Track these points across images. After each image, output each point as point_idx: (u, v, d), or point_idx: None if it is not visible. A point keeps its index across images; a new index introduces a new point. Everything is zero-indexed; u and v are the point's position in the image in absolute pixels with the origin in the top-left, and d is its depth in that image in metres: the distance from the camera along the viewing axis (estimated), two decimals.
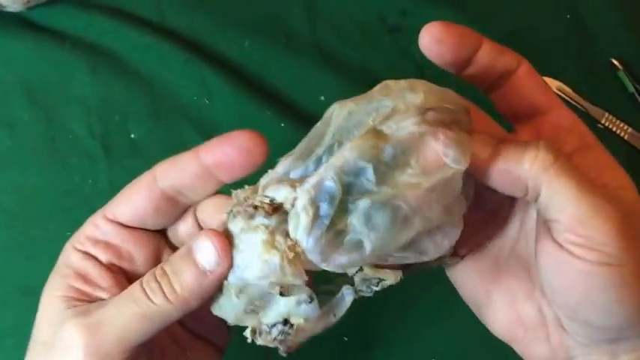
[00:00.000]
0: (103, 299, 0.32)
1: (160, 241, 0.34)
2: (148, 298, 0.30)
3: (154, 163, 0.50)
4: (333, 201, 0.28)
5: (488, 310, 0.34)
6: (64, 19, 0.54)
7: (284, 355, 0.33)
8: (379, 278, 0.31)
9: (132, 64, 0.53)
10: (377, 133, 0.29)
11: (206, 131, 0.52)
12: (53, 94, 0.53)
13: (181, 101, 0.53)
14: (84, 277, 0.33)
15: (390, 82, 0.31)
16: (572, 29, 0.54)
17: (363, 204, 0.28)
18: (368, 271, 0.31)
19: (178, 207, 0.33)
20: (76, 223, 0.50)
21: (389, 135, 0.29)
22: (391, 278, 0.31)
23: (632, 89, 0.52)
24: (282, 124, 0.52)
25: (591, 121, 0.52)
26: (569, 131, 0.32)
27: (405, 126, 0.29)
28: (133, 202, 0.33)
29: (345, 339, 0.48)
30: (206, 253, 0.29)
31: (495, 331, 0.34)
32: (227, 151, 0.31)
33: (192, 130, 0.53)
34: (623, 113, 0.53)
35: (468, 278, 0.35)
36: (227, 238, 0.30)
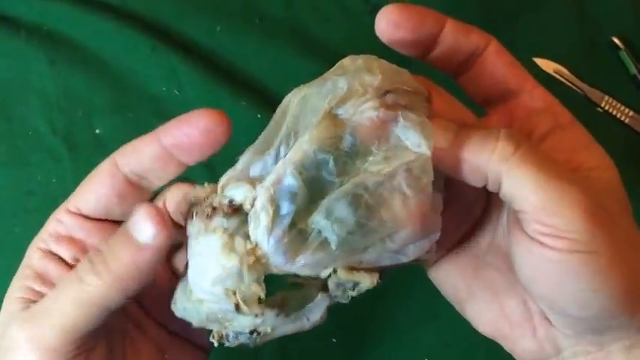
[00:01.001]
0: None
1: None
2: (81, 280, 0.29)
3: None
4: (294, 198, 0.27)
5: (472, 306, 0.33)
6: (17, 6, 0.50)
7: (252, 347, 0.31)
8: (354, 282, 0.29)
9: (94, 53, 0.49)
10: (334, 120, 0.27)
11: None
12: (10, 88, 0.49)
13: (149, 93, 0.50)
14: (43, 278, 0.32)
15: (345, 61, 0.30)
16: (571, 5, 0.51)
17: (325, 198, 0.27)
18: (342, 274, 0.29)
19: (142, 193, 0.32)
20: (41, 225, 0.48)
21: (346, 120, 0.27)
22: (367, 281, 0.30)
23: (634, 70, 0.49)
24: (259, 115, 0.49)
25: (590, 105, 0.49)
26: (544, 111, 0.31)
27: (363, 110, 0.27)
28: (96, 191, 0.32)
29: (334, 340, 0.46)
30: (142, 226, 0.28)
31: (481, 329, 0.33)
32: (187, 132, 0.30)
33: (162, 124, 0.49)
34: (623, 96, 0.49)
35: (447, 275, 0.34)
36: (185, 237, 0.29)
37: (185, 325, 0.33)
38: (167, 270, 0.35)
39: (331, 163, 0.27)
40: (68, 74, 0.49)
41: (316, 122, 0.27)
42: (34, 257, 0.32)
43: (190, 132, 0.30)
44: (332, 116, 0.28)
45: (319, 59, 0.50)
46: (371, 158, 0.27)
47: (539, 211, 0.27)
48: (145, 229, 0.28)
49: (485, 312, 0.33)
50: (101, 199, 0.32)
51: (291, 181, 0.27)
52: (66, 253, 0.32)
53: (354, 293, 0.30)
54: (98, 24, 0.49)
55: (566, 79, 0.49)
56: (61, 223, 0.32)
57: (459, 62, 0.31)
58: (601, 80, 0.49)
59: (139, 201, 0.31)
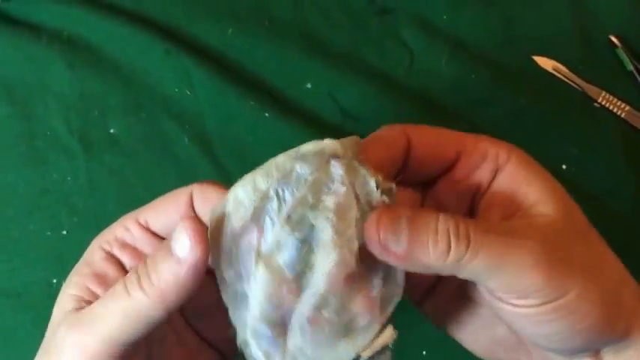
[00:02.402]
0: None
1: None
2: (127, 291, 0.28)
3: (134, 159, 0.51)
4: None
5: (464, 334, 0.34)
6: (40, 12, 0.52)
7: None
8: (381, 348, 0.30)
9: (110, 56, 0.51)
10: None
11: (187, 124, 0.51)
12: (30, 90, 0.51)
13: (162, 93, 0.51)
14: (101, 279, 0.31)
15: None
16: (570, 5, 0.52)
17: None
18: (365, 354, 0.30)
19: None
20: (56, 222, 0.50)
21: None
22: (389, 338, 0.30)
23: (630, 67, 0.50)
24: (266, 114, 0.50)
25: (588, 101, 0.50)
26: (484, 161, 0.31)
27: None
28: (168, 213, 0.32)
29: None
30: (180, 241, 0.28)
31: (477, 354, 0.34)
32: None
33: (174, 124, 0.51)
34: (620, 91, 0.51)
35: (435, 309, 0.34)
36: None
37: (214, 328, 0.34)
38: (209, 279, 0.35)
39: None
40: (85, 77, 0.51)
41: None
42: (95, 256, 0.32)
43: None
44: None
45: (326, 60, 0.51)
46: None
47: (500, 288, 0.28)
48: (183, 243, 0.28)
49: (478, 338, 0.34)
50: (171, 223, 0.32)
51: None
52: (127, 261, 0.32)
53: (389, 353, 0.30)
54: (114, 28, 0.51)
55: (564, 75, 0.50)
56: (128, 231, 0.32)
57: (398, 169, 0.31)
58: (598, 77, 0.51)
59: None
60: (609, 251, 0.30)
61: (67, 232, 0.49)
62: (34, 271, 0.49)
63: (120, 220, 0.33)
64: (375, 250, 0.28)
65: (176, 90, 0.51)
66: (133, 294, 0.28)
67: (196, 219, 0.28)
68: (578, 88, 0.50)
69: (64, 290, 0.32)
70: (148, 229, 0.32)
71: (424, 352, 0.48)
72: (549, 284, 0.27)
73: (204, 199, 0.31)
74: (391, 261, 0.28)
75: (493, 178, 0.31)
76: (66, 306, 0.31)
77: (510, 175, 0.30)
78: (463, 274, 0.28)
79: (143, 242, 0.32)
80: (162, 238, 0.32)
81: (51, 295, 0.47)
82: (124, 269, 0.32)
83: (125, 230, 0.32)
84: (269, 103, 0.51)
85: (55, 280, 0.49)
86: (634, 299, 0.29)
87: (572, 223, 0.29)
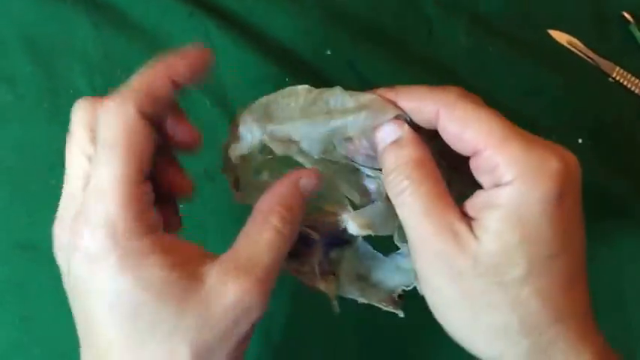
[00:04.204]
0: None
1: None
2: (278, 231, 0.32)
3: None
4: None
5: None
6: None
7: None
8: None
9: (134, 18, 0.52)
10: None
11: (209, 87, 0.51)
12: (55, 49, 0.52)
13: None
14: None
15: None
16: None
17: None
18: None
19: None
20: None
21: None
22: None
23: None
24: (287, 79, 0.51)
25: (602, 76, 0.52)
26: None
27: None
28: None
29: None
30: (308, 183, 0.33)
31: None
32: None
33: (195, 87, 0.51)
34: (634, 67, 0.52)
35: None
36: None
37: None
38: None
39: None
40: (109, 37, 0.52)
41: None
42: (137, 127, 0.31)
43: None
44: None
45: (345, 27, 0.52)
46: None
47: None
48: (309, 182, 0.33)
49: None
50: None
51: None
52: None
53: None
54: None
55: (579, 50, 0.52)
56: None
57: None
58: (612, 52, 0.52)
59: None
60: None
61: None
62: (53, 226, 0.49)
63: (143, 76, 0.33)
64: None
65: None
66: (284, 232, 0.32)
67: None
68: (593, 63, 0.51)
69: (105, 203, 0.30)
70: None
71: None
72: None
73: None
74: None
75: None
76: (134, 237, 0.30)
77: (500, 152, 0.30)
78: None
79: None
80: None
81: None
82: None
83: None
84: (290, 69, 0.51)
85: None
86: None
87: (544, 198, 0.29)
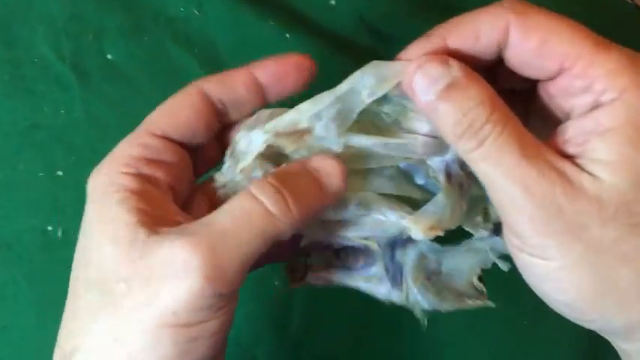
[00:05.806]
0: (179, 222, 0.28)
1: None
2: (268, 211, 0.27)
3: (137, 88, 0.45)
4: None
5: None
6: None
7: None
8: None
9: None
10: None
11: (197, 48, 0.46)
12: (12, 12, 0.45)
13: (166, 14, 0.46)
14: (149, 199, 0.28)
15: None
16: None
17: None
18: None
19: (221, 123, 0.32)
20: (49, 161, 0.44)
21: None
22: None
23: None
24: (287, 35, 0.46)
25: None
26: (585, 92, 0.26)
27: None
28: (184, 116, 0.30)
29: None
30: (333, 177, 0.29)
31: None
32: (283, 66, 0.31)
33: (179, 48, 0.46)
34: None
35: None
36: None
37: None
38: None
39: None
40: None
41: None
42: (125, 181, 0.29)
43: (286, 67, 0.31)
44: None
45: None
46: None
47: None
48: (335, 180, 0.29)
49: None
50: (191, 125, 0.30)
51: None
52: (162, 176, 0.30)
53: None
54: None
55: None
56: (147, 147, 0.30)
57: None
58: None
59: (215, 130, 0.32)
60: None
61: (63, 172, 0.44)
62: (26, 218, 0.43)
63: (128, 140, 0.30)
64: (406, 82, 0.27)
65: (182, 9, 0.46)
66: (276, 214, 0.27)
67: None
68: (631, 2, 0.47)
69: (110, 228, 0.28)
70: (166, 138, 0.30)
71: (524, 322, 0.45)
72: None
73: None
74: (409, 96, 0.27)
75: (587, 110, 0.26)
76: (132, 235, 0.27)
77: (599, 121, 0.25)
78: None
79: (168, 153, 0.30)
80: (183, 145, 0.31)
81: (46, 244, 0.43)
82: (159, 184, 0.29)
83: (143, 148, 0.29)
84: (289, 22, 0.46)
85: (50, 228, 0.43)
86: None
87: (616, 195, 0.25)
